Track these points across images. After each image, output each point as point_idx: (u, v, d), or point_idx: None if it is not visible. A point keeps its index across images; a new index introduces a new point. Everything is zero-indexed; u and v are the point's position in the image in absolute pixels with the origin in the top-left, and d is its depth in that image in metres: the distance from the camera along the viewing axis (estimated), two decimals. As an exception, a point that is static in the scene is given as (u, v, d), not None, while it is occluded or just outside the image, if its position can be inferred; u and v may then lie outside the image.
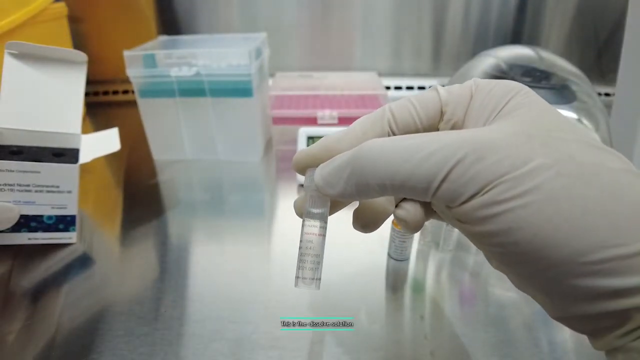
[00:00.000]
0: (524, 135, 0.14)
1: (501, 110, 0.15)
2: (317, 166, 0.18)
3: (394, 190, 0.15)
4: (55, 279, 0.34)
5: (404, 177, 0.14)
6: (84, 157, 0.38)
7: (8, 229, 0.35)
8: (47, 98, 0.39)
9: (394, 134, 0.17)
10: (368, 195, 0.16)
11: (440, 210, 0.18)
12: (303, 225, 0.18)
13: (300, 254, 0.18)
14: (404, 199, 0.17)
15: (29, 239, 0.37)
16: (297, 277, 0.18)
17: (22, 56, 0.37)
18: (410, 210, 0.17)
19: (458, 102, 0.17)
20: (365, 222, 0.19)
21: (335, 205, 0.20)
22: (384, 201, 0.18)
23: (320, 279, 0.18)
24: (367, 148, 0.15)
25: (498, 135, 0.14)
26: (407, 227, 0.17)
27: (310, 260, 0.18)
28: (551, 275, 0.13)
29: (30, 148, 0.38)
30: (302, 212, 0.19)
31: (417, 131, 0.17)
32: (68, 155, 0.38)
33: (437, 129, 0.17)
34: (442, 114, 0.17)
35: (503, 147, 0.13)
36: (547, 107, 0.16)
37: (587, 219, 0.12)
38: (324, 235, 0.18)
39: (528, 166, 0.13)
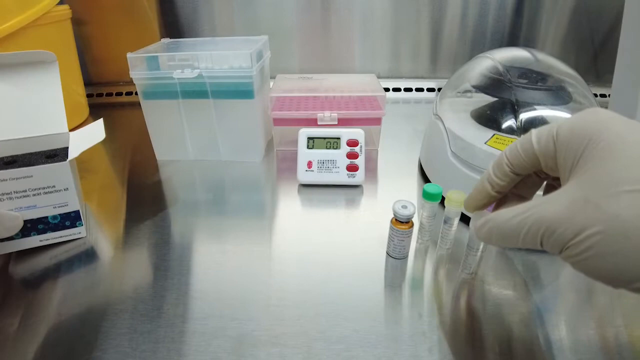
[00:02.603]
0: (582, 201, 0.19)
1: (575, 166, 0.20)
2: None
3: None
4: (58, 276, 0.35)
5: (522, 244, 0.22)
6: (73, 152, 0.37)
7: (18, 234, 0.36)
8: (28, 104, 0.39)
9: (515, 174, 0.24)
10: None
11: None
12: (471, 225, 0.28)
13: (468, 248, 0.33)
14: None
15: (41, 240, 0.37)
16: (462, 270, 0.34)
17: None
18: None
19: (547, 155, 0.22)
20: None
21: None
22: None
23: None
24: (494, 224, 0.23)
25: (561, 208, 0.19)
26: None
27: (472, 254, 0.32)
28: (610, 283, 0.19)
29: (23, 156, 0.38)
30: (469, 207, 0.28)
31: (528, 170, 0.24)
32: (60, 155, 0.39)
33: (541, 168, 0.23)
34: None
35: (564, 221, 0.19)
36: (615, 148, 0.19)
37: (620, 265, 0.18)
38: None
39: (583, 234, 0.18)
